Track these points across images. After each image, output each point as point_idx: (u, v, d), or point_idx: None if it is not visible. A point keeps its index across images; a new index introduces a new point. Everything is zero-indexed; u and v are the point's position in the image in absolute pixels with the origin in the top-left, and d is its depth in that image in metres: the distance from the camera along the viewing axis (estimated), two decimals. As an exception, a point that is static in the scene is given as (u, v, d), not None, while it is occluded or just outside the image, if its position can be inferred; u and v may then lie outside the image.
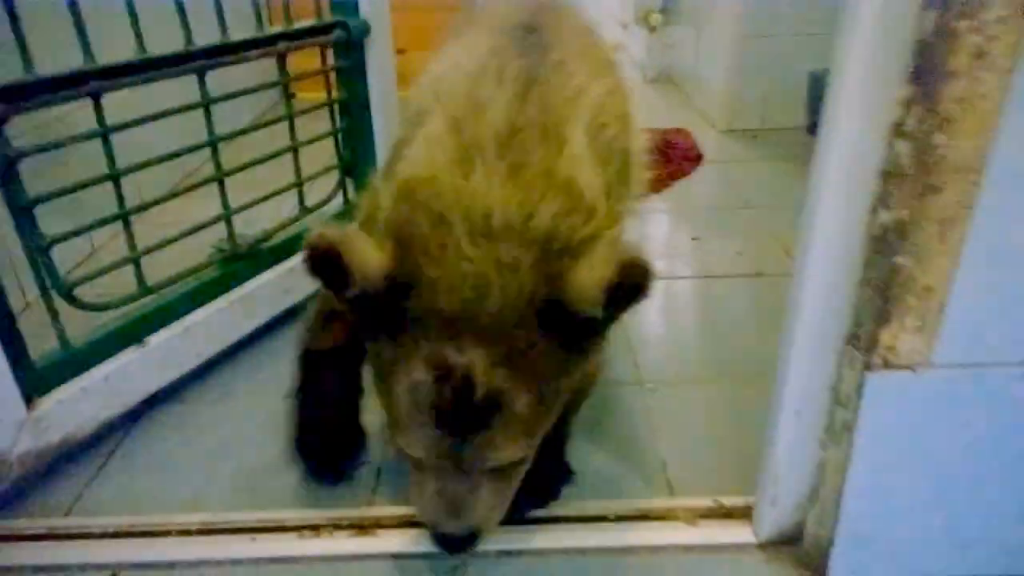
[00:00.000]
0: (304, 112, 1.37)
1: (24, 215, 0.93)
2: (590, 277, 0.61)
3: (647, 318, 1.36)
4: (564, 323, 0.63)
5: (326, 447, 0.96)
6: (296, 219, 1.38)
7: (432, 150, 0.68)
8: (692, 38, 2.81)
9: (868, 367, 0.68)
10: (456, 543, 0.71)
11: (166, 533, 0.89)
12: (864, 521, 0.76)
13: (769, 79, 2.23)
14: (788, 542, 0.85)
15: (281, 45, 1.26)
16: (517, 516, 0.83)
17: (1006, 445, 0.72)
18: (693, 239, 1.64)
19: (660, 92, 2.88)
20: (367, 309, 0.65)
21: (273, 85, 1.31)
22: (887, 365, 0.67)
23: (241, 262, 1.26)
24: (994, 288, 0.65)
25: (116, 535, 0.89)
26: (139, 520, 0.91)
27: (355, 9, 1.39)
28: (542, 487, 0.88)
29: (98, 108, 0.99)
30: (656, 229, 1.71)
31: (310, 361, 0.93)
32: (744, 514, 0.88)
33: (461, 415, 0.63)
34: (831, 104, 0.64)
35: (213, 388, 1.19)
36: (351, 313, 0.67)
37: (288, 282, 1.33)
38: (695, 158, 2.09)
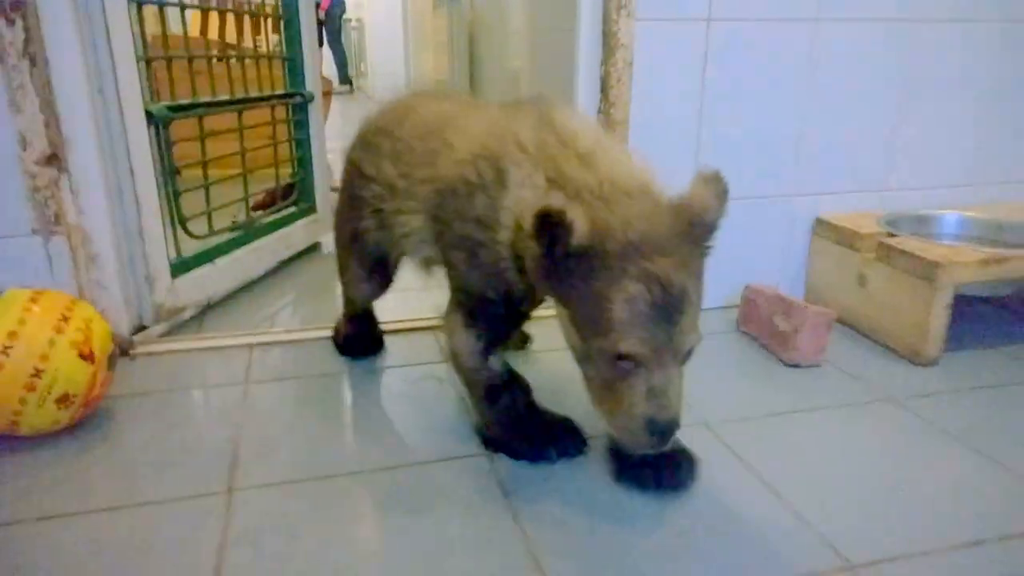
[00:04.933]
0: (283, 142, 2.24)
1: (172, 175, 1.71)
2: (706, 196, 0.89)
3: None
4: (703, 235, 0.89)
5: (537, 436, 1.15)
6: (281, 208, 2.22)
7: (561, 166, 0.93)
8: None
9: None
10: (669, 431, 0.87)
11: (271, 332, 1.67)
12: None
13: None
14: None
15: (274, 100, 2.16)
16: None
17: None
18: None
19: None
20: (573, 259, 0.84)
21: (272, 123, 2.17)
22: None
23: (252, 228, 2.07)
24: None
25: (241, 335, 1.66)
26: (247, 331, 1.68)
27: (303, 84, 2.29)
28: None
29: (200, 122, 1.82)
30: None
31: (489, 383, 1.14)
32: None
33: (667, 306, 0.83)
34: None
35: (258, 290, 1.96)
36: (547, 265, 0.87)
37: (281, 242, 2.15)
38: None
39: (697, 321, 0.87)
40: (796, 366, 1.50)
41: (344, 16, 8.84)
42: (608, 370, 0.87)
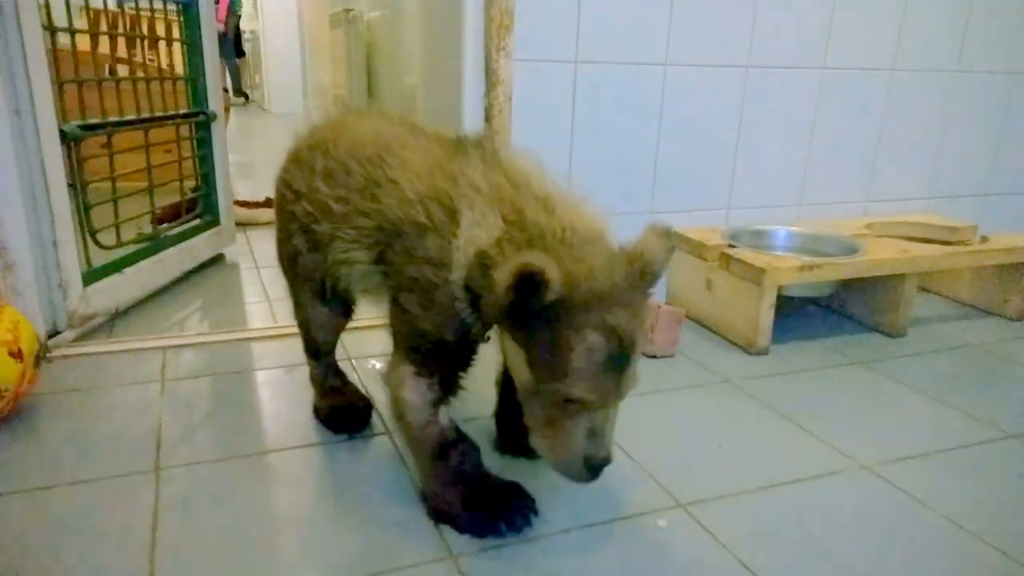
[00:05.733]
0: (187, 158, 2.34)
1: (83, 189, 1.80)
2: (656, 248, 0.93)
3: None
4: (650, 283, 0.94)
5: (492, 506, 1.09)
6: (185, 221, 2.32)
7: (523, 208, 0.96)
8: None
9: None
10: (602, 467, 0.94)
11: (182, 336, 1.79)
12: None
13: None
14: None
15: (178, 119, 2.27)
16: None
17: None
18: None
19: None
20: (543, 308, 0.86)
21: (177, 141, 2.27)
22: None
23: (157, 239, 2.17)
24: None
25: (153, 338, 1.76)
26: (159, 335, 1.79)
27: (206, 103, 2.41)
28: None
29: (109, 140, 1.92)
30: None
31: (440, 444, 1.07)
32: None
33: (620, 357, 0.88)
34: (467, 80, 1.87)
35: (165, 299, 2.05)
36: (512, 312, 0.88)
37: (186, 253, 2.25)
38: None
39: (636, 369, 0.93)
40: (653, 357, 1.76)
41: (239, 28, 8.77)
42: (555, 409, 0.92)
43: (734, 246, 1.91)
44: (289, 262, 1.27)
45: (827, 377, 1.70)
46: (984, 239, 2.04)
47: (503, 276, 0.86)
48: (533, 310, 0.87)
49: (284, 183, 1.22)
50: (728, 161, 2.08)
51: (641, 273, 0.92)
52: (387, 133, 1.14)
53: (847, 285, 2.02)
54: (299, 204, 1.16)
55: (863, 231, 2.11)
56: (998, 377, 1.73)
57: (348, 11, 4.25)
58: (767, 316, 1.76)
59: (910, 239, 2.02)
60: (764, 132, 2.09)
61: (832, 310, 2.12)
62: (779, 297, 1.79)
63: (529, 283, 0.84)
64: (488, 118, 1.81)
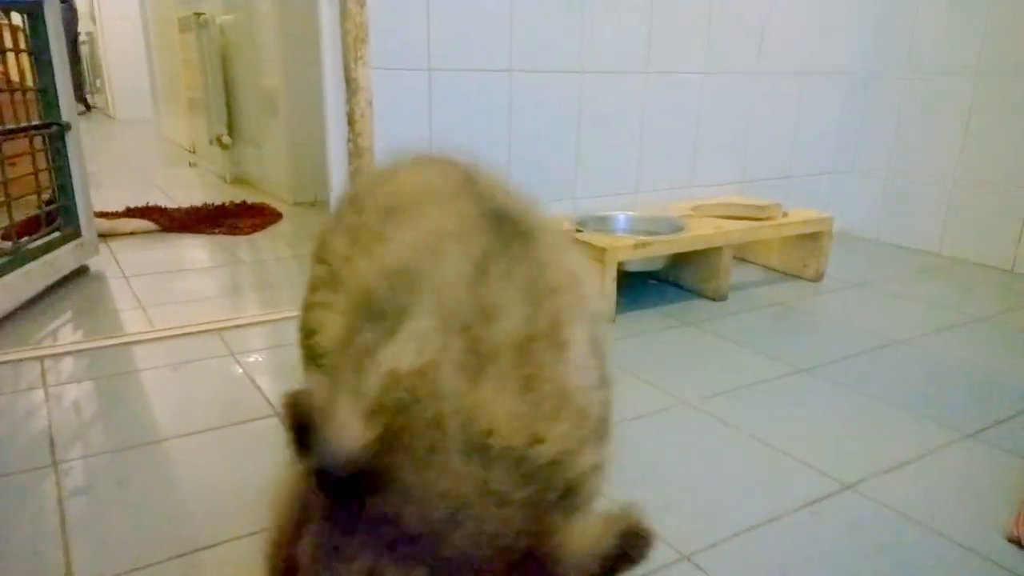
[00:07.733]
0: (43, 170, 2.32)
1: (-60, 204, 1.79)
2: (586, 543, 0.51)
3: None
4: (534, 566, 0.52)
5: None
6: (46, 233, 2.30)
7: (435, 350, 0.58)
8: (255, 151, 4.15)
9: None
10: None
11: (58, 344, 1.81)
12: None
13: (314, 173, 3.67)
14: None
15: (31, 131, 2.25)
16: None
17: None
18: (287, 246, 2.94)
19: (239, 188, 4.14)
20: (327, 483, 0.54)
21: (31, 153, 2.25)
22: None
23: (19, 253, 2.15)
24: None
25: (28, 349, 1.78)
26: (34, 345, 1.81)
27: (59, 113, 2.40)
28: None
29: (-37, 154, 1.90)
30: (275, 242, 2.95)
31: None
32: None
33: None
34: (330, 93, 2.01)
35: (34, 312, 2.04)
36: (310, 478, 0.57)
37: (50, 266, 2.24)
38: (277, 214, 3.39)
39: None
40: (515, 332, 1.98)
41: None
42: None
43: (581, 231, 2.16)
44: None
45: (663, 337, 1.98)
46: (786, 214, 2.41)
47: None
48: (326, 486, 0.56)
49: (318, 246, 0.93)
50: (572, 156, 2.34)
51: (521, 559, 0.53)
52: (428, 181, 0.86)
53: (677, 259, 2.33)
54: (314, 268, 0.91)
55: (690, 212, 2.43)
56: (798, 327, 2.08)
57: (199, 15, 4.20)
58: (611, 289, 2.02)
59: (727, 217, 2.36)
60: (601, 130, 2.36)
61: (667, 281, 2.43)
62: (622, 273, 2.06)
63: (298, 420, 0.54)
64: (351, 123, 1.95)
